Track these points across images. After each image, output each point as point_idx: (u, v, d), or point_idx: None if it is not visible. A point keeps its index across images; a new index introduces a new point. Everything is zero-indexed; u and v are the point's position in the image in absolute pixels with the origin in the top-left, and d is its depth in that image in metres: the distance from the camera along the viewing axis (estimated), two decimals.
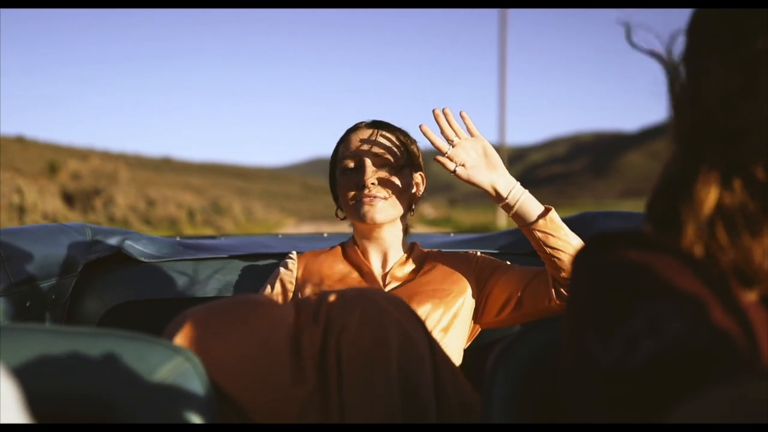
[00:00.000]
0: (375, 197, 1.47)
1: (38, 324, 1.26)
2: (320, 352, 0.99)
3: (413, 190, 1.56)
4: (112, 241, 1.77)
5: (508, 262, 1.53)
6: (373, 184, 1.47)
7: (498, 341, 1.71)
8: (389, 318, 0.97)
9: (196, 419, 0.72)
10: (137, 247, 1.81)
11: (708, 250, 0.55)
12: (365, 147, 1.49)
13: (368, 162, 1.47)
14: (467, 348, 1.54)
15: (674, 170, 0.59)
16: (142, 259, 1.79)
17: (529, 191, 1.38)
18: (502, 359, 0.76)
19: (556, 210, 1.36)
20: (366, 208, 1.47)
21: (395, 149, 1.50)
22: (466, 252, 1.58)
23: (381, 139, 1.50)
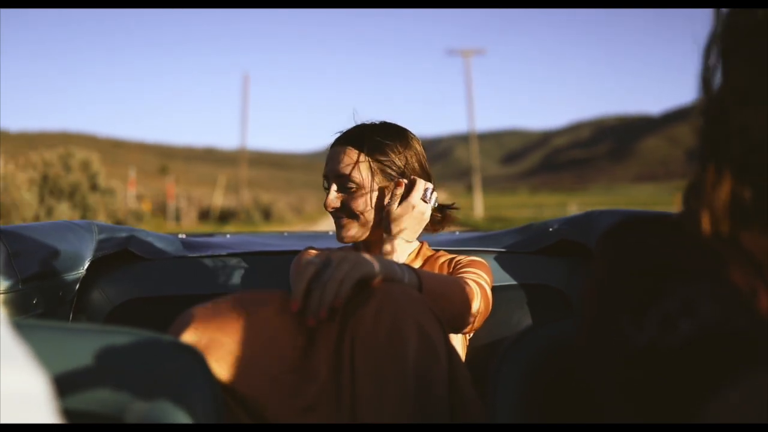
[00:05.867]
0: (341, 218, 1.49)
1: (45, 321, 1.27)
2: (336, 342, 0.99)
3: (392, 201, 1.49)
4: (119, 238, 1.78)
5: (476, 268, 1.47)
6: (336, 207, 1.48)
7: (501, 341, 1.70)
8: (404, 313, 0.97)
9: (202, 416, 0.72)
10: (144, 245, 1.82)
11: (737, 239, 0.54)
12: (332, 167, 1.48)
13: (333, 185, 1.49)
14: (468, 348, 1.54)
15: (697, 164, 0.58)
16: (149, 256, 1.80)
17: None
18: (507, 359, 0.76)
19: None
20: (336, 228, 1.51)
21: (362, 169, 1.46)
22: (461, 257, 1.54)
23: (347, 158, 1.46)
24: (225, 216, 24.43)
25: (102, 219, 12.09)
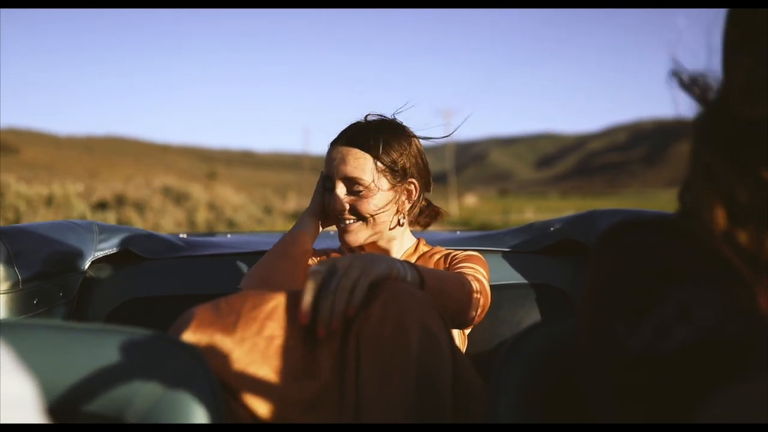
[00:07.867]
0: (349, 222, 1.46)
1: (46, 320, 1.27)
2: (341, 341, 0.99)
3: (400, 202, 1.50)
4: (120, 238, 1.78)
5: (473, 262, 1.46)
6: (344, 210, 1.45)
7: (503, 340, 1.70)
8: (410, 312, 0.97)
9: (202, 416, 0.72)
10: (144, 245, 1.82)
11: (734, 238, 0.54)
12: (338, 168, 1.45)
13: (339, 187, 1.45)
14: (469, 347, 1.55)
15: (698, 161, 0.58)
16: (149, 256, 1.80)
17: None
18: (509, 359, 0.75)
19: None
20: (342, 233, 1.48)
21: (370, 170, 1.43)
22: (456, 252, 1.54)
23: (354, 160, 1.43)
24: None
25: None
